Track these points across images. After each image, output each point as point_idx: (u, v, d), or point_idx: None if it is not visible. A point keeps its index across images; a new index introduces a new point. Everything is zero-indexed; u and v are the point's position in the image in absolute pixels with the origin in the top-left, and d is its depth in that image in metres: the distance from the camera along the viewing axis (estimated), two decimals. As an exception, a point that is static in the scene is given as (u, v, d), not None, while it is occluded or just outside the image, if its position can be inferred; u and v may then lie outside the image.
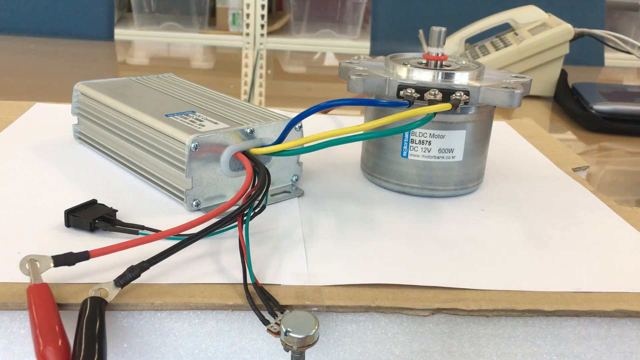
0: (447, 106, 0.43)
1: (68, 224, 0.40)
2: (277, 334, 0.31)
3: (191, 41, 1.65)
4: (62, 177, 0.49)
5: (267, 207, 0.44)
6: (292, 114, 0.50)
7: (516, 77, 0.50)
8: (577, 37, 0.99)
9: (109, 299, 0.32)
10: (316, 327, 0.30)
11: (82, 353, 0.28)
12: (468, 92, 0.44)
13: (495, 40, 1.03)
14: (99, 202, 0.42)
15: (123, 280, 0.33)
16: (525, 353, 0.36)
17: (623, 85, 1.14)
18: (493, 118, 0.51)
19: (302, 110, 0.44)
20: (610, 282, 0.38)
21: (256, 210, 0.40)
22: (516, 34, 1.01)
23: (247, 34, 1.74)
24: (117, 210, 0.41)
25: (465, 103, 0.45)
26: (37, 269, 0.33)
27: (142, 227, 0.40)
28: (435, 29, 0.48)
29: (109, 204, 0.42)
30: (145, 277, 0.34)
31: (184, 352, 0.34)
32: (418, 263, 0.39)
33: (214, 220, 0.37)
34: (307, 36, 1.78)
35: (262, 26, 1.76)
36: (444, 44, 0.49)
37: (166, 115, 0.47)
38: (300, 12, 1.81)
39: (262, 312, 0.32)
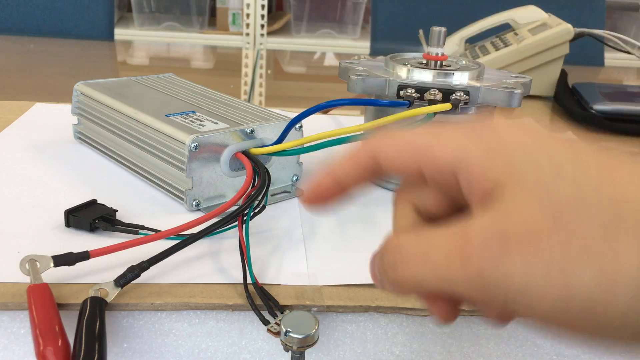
0: (447, 106, 0.43)
1: (68, 224, 0.40)
2: (277, 334, 0.31)
3: (191, 41, 1.65)
4: (62, 177, 0.49)
5: (267, 207, 0.44)
6: (292, 114, 0.50)
7: (516, 77, 0.50)
8: (577, 37, 0.98)
9: (109, 299, 0.32)
10: (316, 327, 0.30)
11: (82, 353, 0.28)
12: (468, 92, 0.44)
13: (495, 40, 1.03)
14: (99, 202, 0.42)
15: (123, 280, 0.33)
16: (525, 353, 0.36)
17: (623, 85, 1.14)
18: (493, 118, 0.51)
19: (302, 110, 0.44)
20: (610, 282, 0.38)
21: (256, 210, 0.40)
22: (516, 34, 1.00)
23: (247, 34, 1.74)
24: (117, 210, 0.41)
25: (465, 103, 0.45)
26: (37, 269, 0.33)
27: (142, 227, 0.40)
28: (435, 29, 0.48)
29: (109, 204, 0.42)
30: (145, 277, 0.33)
31: (183, 352, 0.34)
32: (418, 263, 0.39)
33: (214, 220, 0.37)
34: (307, 36, 1.78)
35: (262, 26, 1.76)
36: (444, 44, 0.49)
37: (166, 115, 0.47)
38: (300, 12, 1.81)
39: (262, 312, 0.32)
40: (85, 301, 0.31)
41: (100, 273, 0.35)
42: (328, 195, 0.26)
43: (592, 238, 0.18)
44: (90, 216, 0.40)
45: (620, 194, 0.18)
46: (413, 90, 0.45)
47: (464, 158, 0.21)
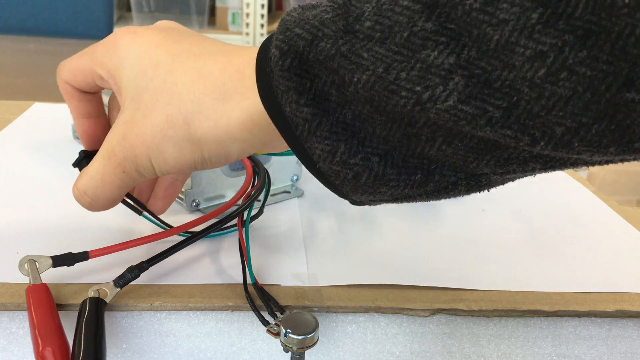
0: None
1: (78, 164, 0.35)
2: (277, 334, 0.31)
3: (191, 41, 1.65)
4: (61, 177, 0.49)
5: (267, 207, 0.44)
6: (292, 113, 0.50)
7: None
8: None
9: (108, 300, 0.32)
10: (316, 328, 0.30)
11: (81, 354, 0.27)
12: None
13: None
14: None
15: (122, 281, 0.32)
16: (526, 354, 0.36)
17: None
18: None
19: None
20: (611, 282, 0.38)
21: (253, 214, 0.40)
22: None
23: (247, 34, 1.74)
24: None
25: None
26: (36, 269, 0.32)
27: (145, 209, 0.38)
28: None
29: (108, 204, 0.42)
30: (144, 277, 0.33)
31: (183, 353, 0.34)
32: (418, 263, 0.39)
33: (214, 220, 0.37)
34: (307, 36, 1.78)
35: (262, 26, 1.76)
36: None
37: (166, 115, 0.47)
38: (300, 12, 1.81)
39: (262, 312, 0.32)
40: (84, 302, 0.31)
41: (99, 273, 0.35)
42: (95, 128, 0.35)
43: (165, 127, 0.28)
44: None
45: (174, 84, 0.27)
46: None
47: (112, 75, 0.30)
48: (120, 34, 0.30)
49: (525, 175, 0.25)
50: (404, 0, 0.21)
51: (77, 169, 0.35)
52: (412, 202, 0.27)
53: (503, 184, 0.26)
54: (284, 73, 0.24)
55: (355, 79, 0.22)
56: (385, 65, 0.22)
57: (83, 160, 0.35)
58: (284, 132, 0.25)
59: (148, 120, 0.28)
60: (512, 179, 0.26)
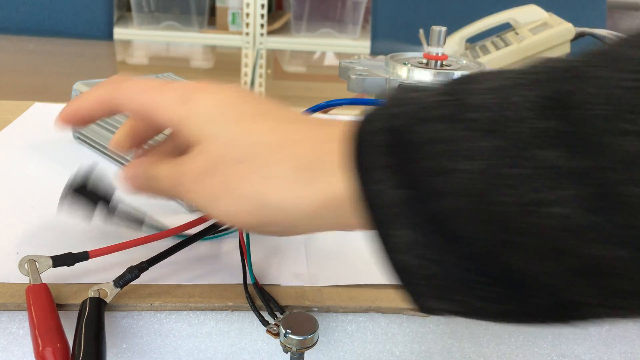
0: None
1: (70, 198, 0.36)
2: (277, 335, 0.31)
3: (191, 41, 1.65)
4: (61, 177, 0.49)
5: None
6: (292, 113, 0.50)
7: (517, 76, 0.50)
8: (578, 36, 0.98)
9: (108, 300, 0.32)
10: (316, 329, 0.30)
11: (81, 354, 0.28)
12: (468, 91, 0.44)
13: (496, 39, 1.03)
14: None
15: (122, 281, 0.32)
16: (526, 353, 0.36)
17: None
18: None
19: (301, 110, 0.44)
20: (611, 282, 0.38)
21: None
22: (517, 34, 1.00)
23: (247, 34, 1.74)
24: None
25: (466, 103, 0.44)
26: (36, 269, 0.32)
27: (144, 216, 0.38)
28: (436, 28, 0.48)
29: (108, 204, 0.42)
30: (144, 277, 0.33)
31: (183, 353, 0.34)
32: (418, 263, 0.39)
33: (214, 221, 0.37)
34: (307, 36, 1.78)
35: (262, 25, 1.76)
36: (444, 43, 0.49)
37: (166, 115, 0.47)
38: (300, 12, 1.81)
39: (261, 312, 0.32)
40: (84, 302, 0.31)
41: (99, 273, 0.35)
42: (82, 120, 0.34)
43: (229, 180, 0.27)
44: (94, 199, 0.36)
45: (251, 144, 0.27)
46: (413, 90, 0.45)
47: (178, 124, 0.29)
48: (194, 88, 0.30)
49: (627, 319, 0.22)
50: (522, 98, 0.20)
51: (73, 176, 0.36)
52: (486, 321, 0.24)
53: (598, 319, 0.22)
54: (381, 149, 0.23)
55: (458, 168, 0.21)
56: (495, 157, 0.20)
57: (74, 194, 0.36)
58: (368, 213, 0.24)
59: (212, 169, 0.27)
60: (611, 318, 0.22)
